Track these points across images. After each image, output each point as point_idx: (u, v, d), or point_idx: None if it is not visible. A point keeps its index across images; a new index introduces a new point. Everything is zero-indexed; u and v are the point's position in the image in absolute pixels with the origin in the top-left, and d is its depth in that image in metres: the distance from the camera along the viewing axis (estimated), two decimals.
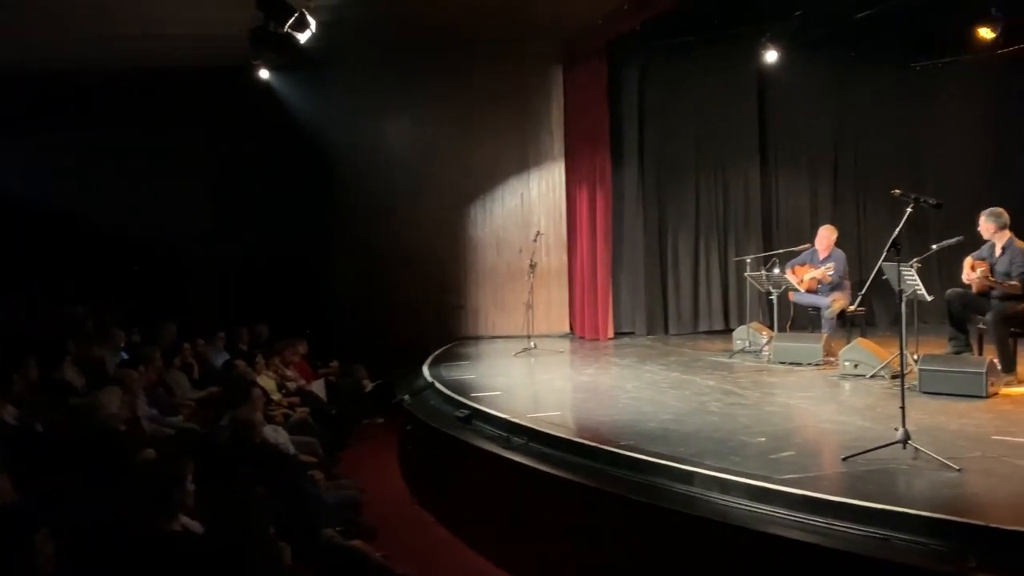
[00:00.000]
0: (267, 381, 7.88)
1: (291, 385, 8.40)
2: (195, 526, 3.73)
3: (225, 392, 6.42)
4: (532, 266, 9.08)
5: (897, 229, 4.57)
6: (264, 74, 9.71)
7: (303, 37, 7.30)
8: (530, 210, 10.50)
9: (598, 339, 9.97)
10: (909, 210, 4.71)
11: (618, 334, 10.21)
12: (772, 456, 4.56)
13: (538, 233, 9.60)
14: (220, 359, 8.37)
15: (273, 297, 10.34)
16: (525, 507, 5.01)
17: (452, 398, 6.64)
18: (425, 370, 7.98)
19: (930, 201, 4.77)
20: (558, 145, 10.47)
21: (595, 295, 10.07)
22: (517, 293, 10.15)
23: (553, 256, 10.48)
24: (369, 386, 9.22)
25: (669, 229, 10.47)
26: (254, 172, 10.72)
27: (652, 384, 6.94)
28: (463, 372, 7.84)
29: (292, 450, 5.96)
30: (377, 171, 10.48)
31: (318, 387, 8.67)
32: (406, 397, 7.23)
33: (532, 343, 8.93)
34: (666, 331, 10.37)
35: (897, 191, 4.85)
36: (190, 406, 6.91)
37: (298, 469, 5.43)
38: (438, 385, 7.15)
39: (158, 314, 9.09)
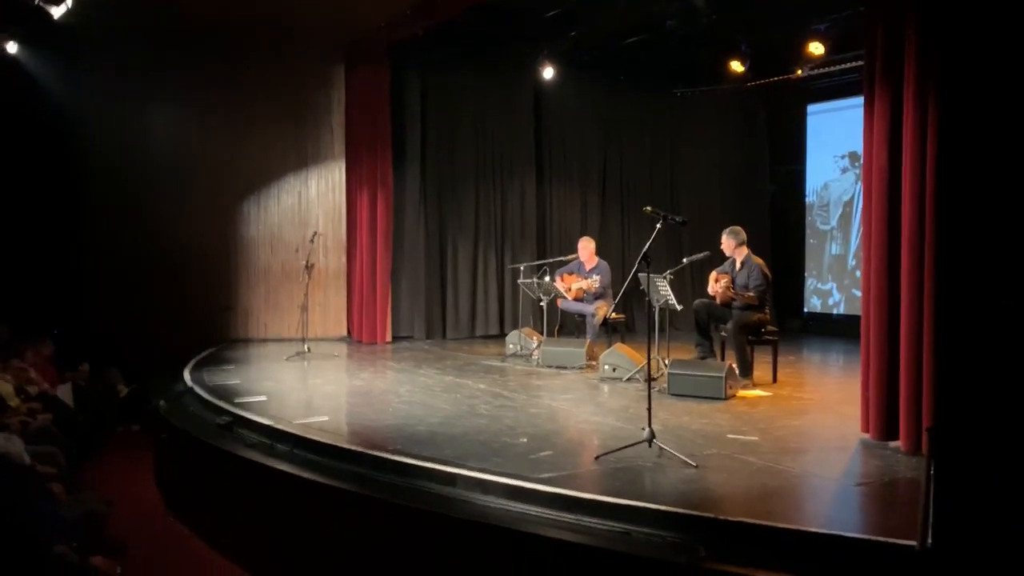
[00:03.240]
0: (3, 385, 6.98)
1: (32, 389, 7.50)
2: None
3: None
4: (308, 266, 8.82)
5: (648, 243, 4.87)
6: (12, 47, 8.64)
7: (57, 11, 6.53)
8: (308, 209, 10.24)
9: (376, 343, 9.90)
10: (659, 226, 5.05)
11: (396, 338, 10.21)
12: (532, 456, 4.70)
13: (316, 233, 9.38)
14: None
15: (14, 294, 9.16)
16: (288, 516, 4.88)
17: (213, 404, 6.36)
18: (186, 374, 7.58)
19: (676, 219, 5.13)
20: (339, 144, 10.26)
21: (374, 298, 9.97)
22: (292, 294, 9.88)
23: (331, 257, 10.27)
24: (124, 391, 8.64)
25: (449, 234, 10.59)
26: None
27: (425, 388, 6.99)
28: (228, 377, 7.54)
29: (27, 460, 5.32)
30: (138, 161, 9.66)
31: (64, 392, 7.86)
32: (161, 403, 6.70)
33: (306, 346, 8.70)
34: (444, 335, 10.49)
35: (648, 208, 5.16)
36: None
37: (31, 481, 4.86)
38: (198, 390, 6.81)
39: None
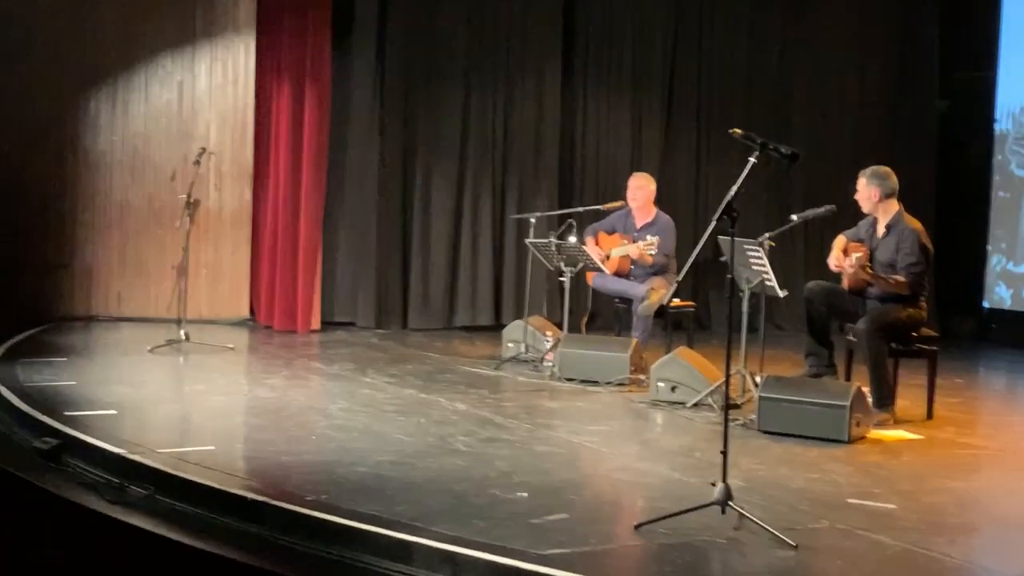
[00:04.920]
0: None
1: None
2: None
3: None
4: (191, 205, 8.85)
5: (734, 187, 4.83)
6: None
7: None
8: (193, 112, 10.31)
9: (295, 331, 9.97)
10: (753, 160, 4.98)
11: (329, 325, 10.21)
12: (536, 521, 4.71)
13: (203, 151, 9.36)
14: None
15: None
16: None
17: (30, 417, 6.42)
18: None
19: (783, 150, 5.06)
20: (247, 9, 10.30)
21: (294, 262, 10.03)
22: (164, 249, 9.95)
23: (229, 193, 10.35)
24: None
25: (419, 163, 10.58)
26: None
27: (372, 405, 7.01)
28: (56, 375, 7.61)
29: None
30: None
31: None
32: None
33: (183, 332, 8.77)
34: (404, 324, 10.51)
35: (738, 131, 5.14)
36: None
37: None
38: (6, 395, 6.88)
39: None
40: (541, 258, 8.89)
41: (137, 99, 10.27)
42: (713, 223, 4.84)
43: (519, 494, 5.15)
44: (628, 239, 8.84)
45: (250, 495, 4.99)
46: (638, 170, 9.90)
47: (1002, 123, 11.69)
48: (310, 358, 8.90)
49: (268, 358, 8.81)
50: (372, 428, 6.40)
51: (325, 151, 10.11)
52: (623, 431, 6.75)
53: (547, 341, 8.61)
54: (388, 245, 10.53)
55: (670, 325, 8.77)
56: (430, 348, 9.55)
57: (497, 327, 10.06)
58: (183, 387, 7.89)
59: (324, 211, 10.20)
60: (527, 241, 8.96)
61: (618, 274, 8.83)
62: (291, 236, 10.07)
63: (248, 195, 10.43)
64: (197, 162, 9.14)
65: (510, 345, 8.82)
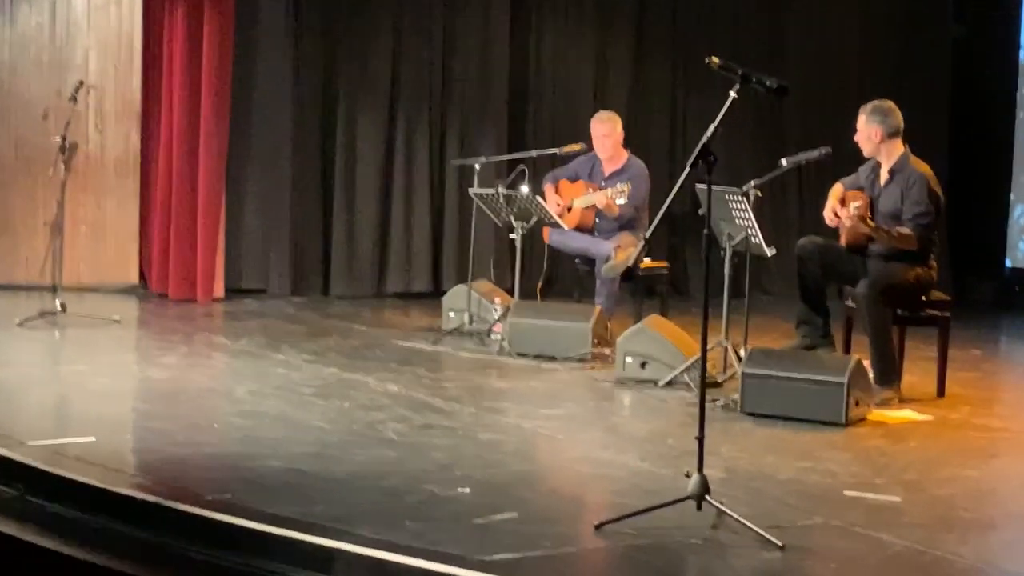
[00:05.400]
0: None
1: None
2: None
3: None
4: (67, 150, 8.82)
5: (712, 126, 4.84)
6: None
7: None
8: (69, 37, 10.21)
9: (195, 300, 9.97)
10: (734, 94, 4.98)
11: (234, 292, 10.25)
12: (480, 521, 4.72)
13: (81, 85, 9.29)
14: None
15: None
16: None
17: None
18: None
19: (768, 82, 5.06)
20: None
21: (192, 218, 10.00)
22: (35, 202, 9.97)
23: (113, 135, 10.30)
24: None
25: (343, 99, 10.59)
26: None
27: (286, 388, 7.03)
28: None
29: None
30: None
31: None
32: None
33: (59, 302, 8.74)
34: (325, 290, 10.56)
35: (715, 59, 5.14)
36: None
37: None
38: None
39: None
40: (488, 211, 8.90)
41: (2, 24, 10.14)
42: (687, 169, 4.84)
43: (461, 490, 5.16)
44: (594, 187, 8.87)
45: (139, 495, 4.98)
46: (602, 108, 9.86)
47: None
48: (212, 332, 8.88)
49: (162, 332, 8.77)
50: (286, 415, 6.39)
51: (228, 86, 10.04)
52: (584, 415, 6.74)
53: (495, 310, 8.64)
54: (305, 198, 10.53)
55: (640, 290, 8.80)
56: (356, 319, 9.56)
57: (436, 294, 10.09)
58: (59, 367, 7.83)
59: (228, 158, 10.13)
60: (471, 191, 8.97)
61: (580, 229, 8.86)
62: (188, 187, 10.02)
63: (136, 138, 10.37)
64: (73, 98, 9.09)
65: (452, 315, 8.86)
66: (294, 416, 6.33)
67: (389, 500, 4.96)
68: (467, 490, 5.14)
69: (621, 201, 8.59)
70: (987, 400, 7.58)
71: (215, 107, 9.94)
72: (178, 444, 5.76)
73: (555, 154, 9.39)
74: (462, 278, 9.48)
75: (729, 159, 9.92)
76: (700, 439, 4.77)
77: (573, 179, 9.05)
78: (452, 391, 7.07)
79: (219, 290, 10.10)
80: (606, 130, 8.96)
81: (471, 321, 8.66)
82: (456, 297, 8.94)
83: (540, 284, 9.37)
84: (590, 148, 9.06)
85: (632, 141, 9.31)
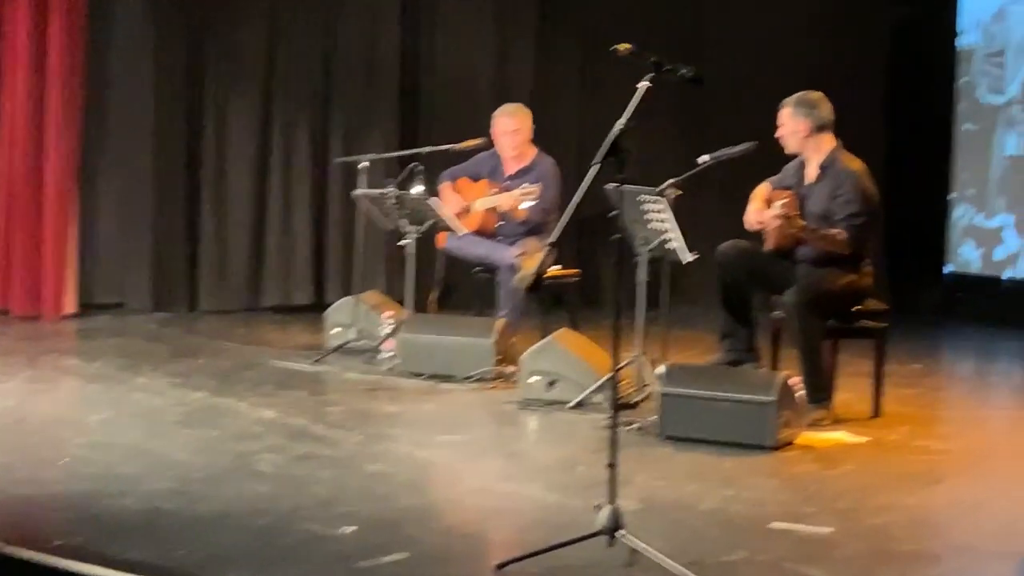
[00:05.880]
0: None
1: None
2: None
3: None
4: None
5: (622, 119, 4.86)
6: None
7: None
8: None
9: (41, 317, 9.92)
10: (647, 84, 5.00)
11: (88, 308, 10.20)
12: (365, 563, 4.72)
13: None
14: None
15: None
16: None
17: None
18: None
19: (682, 71, 5.15)
20: None
21: (38, 224, 9.94)
22: None
23: None
24: None
25: (209, 96, 10.57)
26: None
27: (146, 416, 7.04)
28: None
29: None
30: None
31: None
32: None
33: None
34: (192, 305, 10.55)
35: (624, 46, 5.20)
36: None
37: None
38: None
39: None
40: (376, 214, 8.95)
41: None
42: (595, 166, 4.85)
43: (344, 529, 5.15)
44: (499, 187, 8.91)
45: None
46: (506, 100, 9.83)
47: (969, 35, 11.88)
48: (62, 353, 8.77)
49: (2, 354, 8.62)
50: (146, 446, 6.39)
51: (80, 76, 9.97)
52: (485, 441, 6.81)
53: (386, 325, 8.62)
54: (169, 202, 10.49)
55: (548, 301, 8.87)
56: (228, 336, 9.55)
57: (319, 307, 10.03)
58: None
59: (82, 154, 10.06)
60: (356, 193, 9.02)
61: (479, 233, 8.90)
62: (33, 190, 9.93)
63: None
64: None
65: (336, 330, 8.88)
66: (154, 448, 6.30)
67: (261, 542, 4.94)
68: (351, 529, 5.12)
69: (529, 203, 8.66)
70: (927, 419, 7.68)
71: (65, 101, 9.83)
72: (20, 482, 5.70)
73: (451, 151, 9.35)
74: (348, 289, 9.61)
75: (654, 161, 9.94)
76: (612, 466, 4.79)
77: (475, 178, 9.09)
78: (336, 416, 7.09)
79: (70, 305, 9.99)
80: (515, 124, 8.99)
81: (358, 337, 8.69)
82: (341, 311, 8.95)
83: (435, 295, 9.39)
84: (491, 144, 9.10)
85: (542, 137, 9.35)
